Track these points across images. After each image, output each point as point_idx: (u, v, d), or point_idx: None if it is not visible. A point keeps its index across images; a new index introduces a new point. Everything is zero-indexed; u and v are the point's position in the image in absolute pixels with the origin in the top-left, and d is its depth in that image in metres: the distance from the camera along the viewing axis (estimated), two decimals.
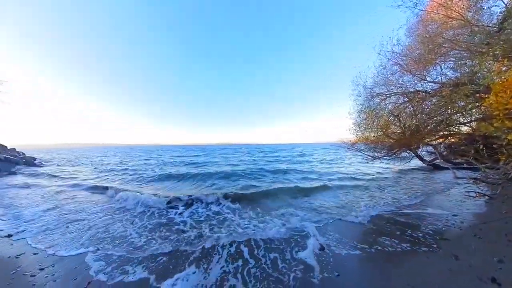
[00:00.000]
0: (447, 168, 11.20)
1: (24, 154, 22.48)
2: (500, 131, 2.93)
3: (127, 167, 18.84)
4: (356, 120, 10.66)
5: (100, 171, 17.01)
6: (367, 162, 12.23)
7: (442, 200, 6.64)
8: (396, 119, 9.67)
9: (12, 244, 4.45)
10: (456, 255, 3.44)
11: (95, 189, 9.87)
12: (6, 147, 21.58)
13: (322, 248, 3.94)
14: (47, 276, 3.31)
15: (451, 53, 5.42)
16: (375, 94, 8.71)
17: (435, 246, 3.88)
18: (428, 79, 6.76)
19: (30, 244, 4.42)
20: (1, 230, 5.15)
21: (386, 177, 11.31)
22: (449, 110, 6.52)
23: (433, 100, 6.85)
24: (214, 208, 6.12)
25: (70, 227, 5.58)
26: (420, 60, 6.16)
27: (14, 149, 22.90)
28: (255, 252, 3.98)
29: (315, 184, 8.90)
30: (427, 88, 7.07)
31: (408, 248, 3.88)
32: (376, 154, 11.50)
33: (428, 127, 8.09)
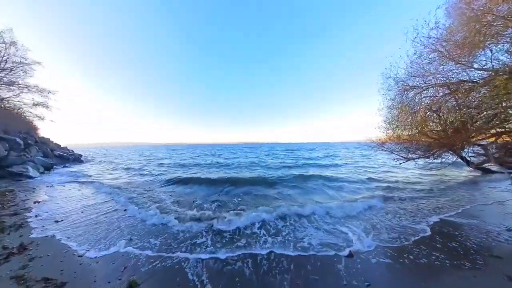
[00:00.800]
0: (500, 173, 9.46)
1: (73, 151, 25.71)
2: None
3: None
4: (386, 117, 9.66)
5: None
6: (399, 164, 11.01)
7: (493, 211, 5.61)
8: (435, 114, 8.49)
9: (67, 226, 5.22)
10: (510, 276, 2.80)
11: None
12: (60, 145, 25.04)
13: (351, 256, 3.61)
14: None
15: (506, 32, 4.45)
16: (408, 87, 7.73)
17: (482, 263, 3.25)
18: (475, 66, 5.69)
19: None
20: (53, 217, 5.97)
21: (421, 181, 10.07)
22: (504, 103, 5.41)
23: (483, 91, 5.76)
24: None
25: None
26: (464, 44, 5.20)
27: (66, 147, 26.46)
28: None
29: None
30: (474, 76, 5.97)
31: (450, 263, 3.31)
32: (410, 155, 10.27)
33: (476, 124, 6.88)
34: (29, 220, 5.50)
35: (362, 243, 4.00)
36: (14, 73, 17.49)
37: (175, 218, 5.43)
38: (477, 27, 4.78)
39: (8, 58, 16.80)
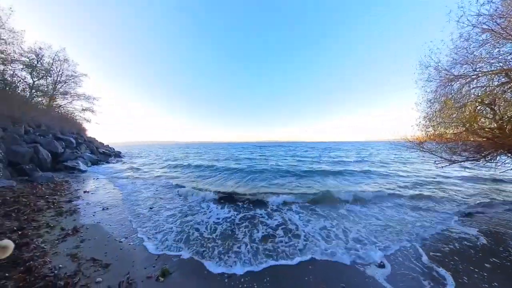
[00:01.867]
0: None
1: (113, 149, 28.76)
2: None
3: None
4: (426, 113, 8.65)
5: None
6: (442, 167, 9.81)
7: None
8: (488, 108, 7.34)
9: (110, 214, 5.91)
10: None
11: None
12: (103, 143, 28.21)
13: (382, 266, 3.46)
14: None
15: None
16: (453, 76, 6.80)
17: None
18: None
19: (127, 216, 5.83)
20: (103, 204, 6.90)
21: (470, 188, 8.83)
22: None
23: None
24: None
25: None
26: None
27: (107, 145, 29.71)
28: None
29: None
30: None
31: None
32: (455, 157, 9.03)
33: None
34: (81, 207, 6.32)
35: None
36: (67, 85, 21.13)
37: None
38: None
39: (62, 72, 20.21)
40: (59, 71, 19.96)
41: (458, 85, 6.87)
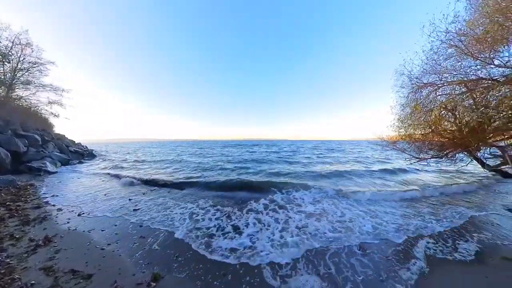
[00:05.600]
0: None
1: (86, 147, 26.59)
2: None
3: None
4: (399, 115, 9.42)
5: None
6: (411, 164, 10.80)
7: (508, 215, 5.48)
8: (450, 113, 8.23)
9: (88, 219, 5.49)
10: None
11: None
12: (74, 141, 25.93)
13: (363, 249, 3.73)
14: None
15: None
16: (423, 84, 7.51)
17: (495, 264, 3.22)
18: (496, 62, 5.47)
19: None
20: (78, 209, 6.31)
21: (434, 183, 9.88)
22: None
23: (503, 90, 5.54)
24: None
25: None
26: (485, 39, 4.99)
27: (80, 143, 27.39)
28: None
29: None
30: (494, 74, 5.74)
31: (463, 262, 3.31)
32: (422, 155, 10.03)
33: (494, 124, 6.64)
34: (51, 213, 5.79)
35: None
36: (30, 73, 18.38)
37: None
38: (500, 20, 4.57)
39: (24, 58, 17.61)
40: (20, 56, 17.47)
41: (427, 92, 7.59)
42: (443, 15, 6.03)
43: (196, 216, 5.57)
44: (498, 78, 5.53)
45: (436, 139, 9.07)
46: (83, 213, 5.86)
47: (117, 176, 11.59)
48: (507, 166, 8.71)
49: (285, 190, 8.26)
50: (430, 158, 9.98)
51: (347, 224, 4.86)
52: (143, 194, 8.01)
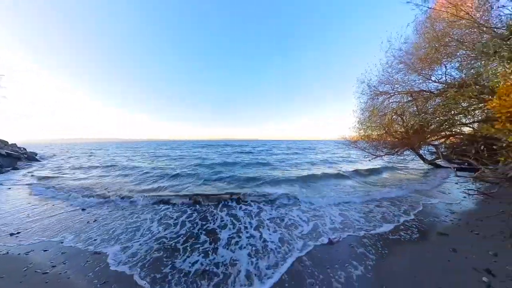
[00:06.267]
0: (447, 168, 11.36)
1: (25, 149, 22.44)
2: (501, 133, 3.06)
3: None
4: (359, 118, 10.75)
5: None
6: (369, 160, 12.41)
7: (441, 198, 6.83)
8: (399, 118, 9.77)
9: (24, 240, 4.44)
10: (454, 248, 3.64)
11: None
12: (7, 142, 21.49)
13: (330, 243, 4.12)
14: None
15: (458, 53, 5.50)
16: (379, 92, 8.78)
17: (433, 239, 4.10)
18: (433, 78, 6.82)
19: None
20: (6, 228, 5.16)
21: (385, 175, 11.54)
22: (452, 111, 6.63)
23: (437, 100, 6.94)
24: None
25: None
26: (426, 59, 6.22)
27: (15, 145, 22.81)
28: None
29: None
30: (431, 88, 7.14)
31: (410, 241, 4.11)
32: (378, 152, 11.63)
33: (431, 127, 8.20)
34: None
35: None
36: None
37: None
38: (437, 45, 5.74)
39: None
40: None
41: (382, 99, 8.90)
42: (399, 35, 7.21)
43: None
44: (434, 91, 6.88)
45: (389, 139, 10.63)
46: (17, 233, 4.76)
47: (53, 187, 9.36)
48: (440, 160, 10.77)
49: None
50: (384, 155, 11.68)
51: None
52: (82, 210, 6.39)
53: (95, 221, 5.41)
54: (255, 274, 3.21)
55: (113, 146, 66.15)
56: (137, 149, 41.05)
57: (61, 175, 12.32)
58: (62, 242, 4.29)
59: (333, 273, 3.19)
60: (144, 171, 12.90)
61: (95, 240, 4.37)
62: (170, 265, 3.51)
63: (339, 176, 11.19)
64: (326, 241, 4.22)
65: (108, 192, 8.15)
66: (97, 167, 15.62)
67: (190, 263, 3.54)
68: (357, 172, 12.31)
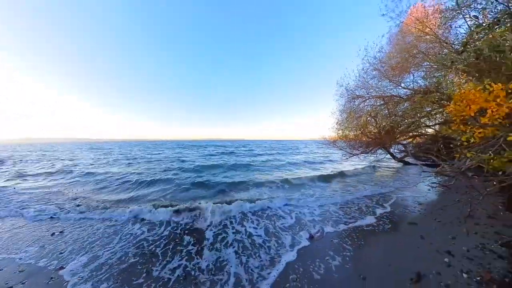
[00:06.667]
0: (415, 164, 12.64)
1: None
2: (457, 133, 3.58)
3: None
4: (338, 119, 11.44)
5: None
6: (347, 159, 13.26)
7: (411, 191, 7.65)
8: (373, 120, 10.62)
9: None
10: (422, 236, 4.16)
11: None
12: None
13: (311, 237, 4.39)
14: None
15: (423, 64, 6.25)
16: (356, 96, 9.48)
17: (405, 229, 4.63)
18: (402, 85, 7.62)
19: None
20: None
21: (362, 172, 12.47)
22: (418, 114, 7.47)
23: (406, 105, 7.76)
24: None
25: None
26: (396, 67, 6.94)
27: None
28: None
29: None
30: (401, 93, 7.96)
31: (384, 232, 4.58)
32: (354, 151, 12.49)
33: (400, 128, 9.11)
34: None
35: None
36: None
37: None
38: (406, 56, 6.44)
39: None
40: None
41: (358, 102, 9.62)
42: (375, 44, 7.89)
43: None
44: (403, 96, 7.68)
45: (364, 139, 11.47)
46: None
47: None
48: (408, 157, 11.96)
49: None
50: (360, 154, 12.58)
51: None
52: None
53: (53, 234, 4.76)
54: None
55: (87, 147, 60.46)
56: (110, 151, 38.29)
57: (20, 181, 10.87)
58: (20, 259, 3.78)
59: (313, 265, 3.43)
60: (115, 177, 11.25)
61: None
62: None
63: (321, 176, 11.72)
64: (307, 235, 4.50)
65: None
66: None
67: None
68: (335, 170, 13.12)
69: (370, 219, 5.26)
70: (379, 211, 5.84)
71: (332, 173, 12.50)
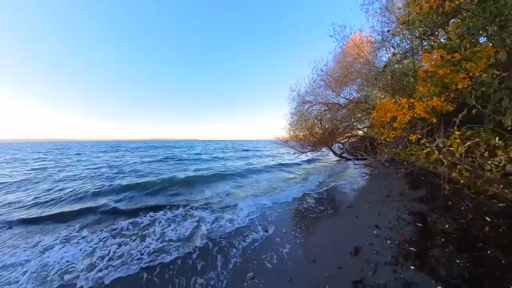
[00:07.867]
0: (350, 159, 15.20)
1: None
2: (378, 134, 4.71)
3: None
4: (290, 121, 12.64)
5: None
6: (297, 156, 14.72)
7: (347, 180, 9.18)
8: (319, 122, 12.22)
9: None
10: (357, 216, 5.14)
11: None
12: None
13: (266, 231, 4.76)
14: None
15: (357, 80, 7.81)
16: (305, 101, 10.78)
17: (344, 212, 5.63)
18: (341, 95, 9.25)
19: None
20: None
21: (310, 167, 14.13)
22: (352, 119, 9.19)
23: (343, 111, 9.41)
24: None
25: None
26: (338, 80, 8.38)
27: None
28: None
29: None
30: (340, 102, 9.62)
31: (327, 217, 5.48)
32: (303, 149, 14.01)
33: (339, 130, 10.89)
34: None
35: None
36: None
37: None
38: (345, 72, 7.85)
39: None
40: None
41: (307, 106, 10.96)
42: (321, 58, 9.20)
43: None
44: (342, 104, 9.29)
45: (311, 139, 13.03)
46: None
47: None
48: (345, 153, 14.32)
49: None
50: (308, 152, 14.22)
51: None
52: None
53: None
54: None
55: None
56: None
57: None
58: None
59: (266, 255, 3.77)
60: None
61: None
62: None
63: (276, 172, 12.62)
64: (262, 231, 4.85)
65: None
66: None
67: None
68: (286, 166, 14.45)
69: (316, 206, 6.10)
70: (320, 198, 6.84)
71: (284, 167, 13.61)
